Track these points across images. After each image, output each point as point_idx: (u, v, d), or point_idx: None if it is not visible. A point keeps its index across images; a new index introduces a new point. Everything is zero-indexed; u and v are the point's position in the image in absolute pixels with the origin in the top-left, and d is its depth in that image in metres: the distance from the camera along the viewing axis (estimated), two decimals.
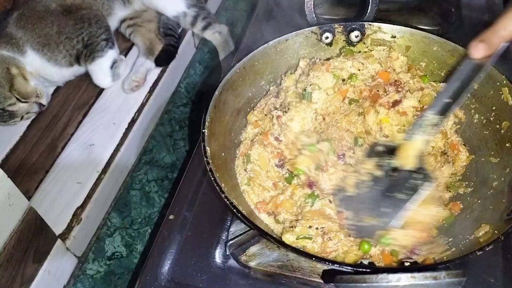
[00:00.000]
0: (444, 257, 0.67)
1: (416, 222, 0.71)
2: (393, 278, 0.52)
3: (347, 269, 0.59)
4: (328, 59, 0.93)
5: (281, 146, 0.82)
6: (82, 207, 0.97)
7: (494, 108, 0.81)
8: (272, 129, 0.84)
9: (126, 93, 1.19)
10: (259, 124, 0.87)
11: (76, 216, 0.96)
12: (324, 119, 0.85)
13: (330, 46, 0.95)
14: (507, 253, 0.77)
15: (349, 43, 0.95)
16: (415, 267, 0.65)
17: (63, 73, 1.16)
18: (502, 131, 0.79)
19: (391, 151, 0.76)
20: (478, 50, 0.69)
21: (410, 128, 0.77)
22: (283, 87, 0.90)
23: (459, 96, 0.72)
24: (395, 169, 0.74)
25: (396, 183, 0.73)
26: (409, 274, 0.53)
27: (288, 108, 0.84)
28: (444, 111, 0.72)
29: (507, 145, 0.77)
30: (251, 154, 0.81)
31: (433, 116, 0.73)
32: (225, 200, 0.67)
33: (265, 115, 0.88)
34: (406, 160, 0.74)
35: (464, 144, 0.84)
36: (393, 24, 0.92)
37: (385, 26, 0.92)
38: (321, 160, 0.78)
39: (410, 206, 0.70)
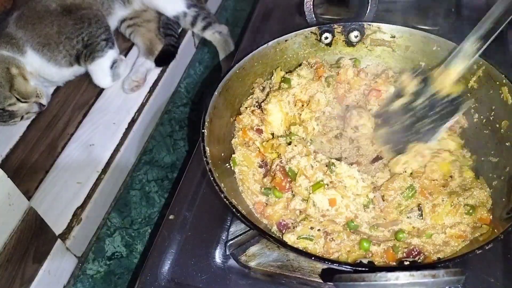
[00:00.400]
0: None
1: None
2: (392, 276, 0.52)
3: (346, 268, 0.59)
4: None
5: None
6: (82, 207, 0.97)
7: (493, 107, 0.81)
8: (252, 123, 0.84)
9: (126, 93, 1.19)
10: (241, 119, 0.86)
11: (76, 216, 0.96)
12: (302, 105, 0.85)
13: (330, 46, 0.95)
14: (507, 253, 0.76)
15: (349, 43, 0.95)
16: (414, 266, 0.65)
17: (63, 73, 1.16)
18: (502, 131, 0.79)
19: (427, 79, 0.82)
20: None
21: (449, 57, 0.81)
22: (272, 82, 0.91)
23: (503, 20, 0.74)
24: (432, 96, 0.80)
25: (430, 109, 0.80)
26: (407, 273, 0.52)
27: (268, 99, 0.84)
28: (486, 36, 0.75)
29: (507, 144, 0.77)
30: (235, 157, 0.80)
31: (472, 43, 0.76)
32: (224, 200, 0.67)
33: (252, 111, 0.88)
34: (443, 86, 0.80)
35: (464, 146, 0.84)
36: (393, 24, 0.91)
37: (385, 26, 0.92)
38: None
39: (446, 126, 0.78)
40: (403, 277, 0.52)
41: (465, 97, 0.80)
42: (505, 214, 0.68)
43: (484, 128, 0.83)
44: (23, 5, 1.13)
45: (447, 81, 0.79)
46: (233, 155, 0.80)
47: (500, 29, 0.74)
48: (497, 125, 0.80)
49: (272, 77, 0.91)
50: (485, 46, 0.76)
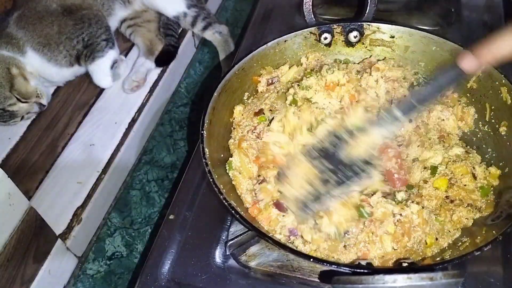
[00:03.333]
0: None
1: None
2: (390, 279, 0.53)
3: (345, 269, 0.60)
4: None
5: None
6: (82, 207, 0.98)
7: (493, 107, 0.81)
8: (247, 137, 0.82)
9: (126, 93, 1.20)
10: (239, 124, 0.86)
11: (76, 216, 0.96)
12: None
13: (329, 46, 0.95)
14: (507, 253, 0.76)
15: (348, 43, 0.95)
16: (412, 268, 0.65)
17: (63, 73, 1.16)
18: (501, 131, 0.79)
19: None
20: (467, 61, 0.64)
21: (371, 121, 0.75)
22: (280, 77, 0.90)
23: (427, 101, 0.71)
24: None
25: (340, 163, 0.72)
26: (405, 275, 0.53)
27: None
28: (407, 112, 0.71)
29: (507, 143, 0.77)
30: (232, 161, 0.79)
31: (397, 113, 0.71)
32: (223, 201, 0.68)
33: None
34: (357, 148, 0.73)
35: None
36: (392, 24, 0.92)
37: (384, 26, 0.92)
38: None
39: (341, 192, 0.70)
40: (401, 279, 0.53)
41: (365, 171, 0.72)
42: (490, 221, 0.69)
43: (483, 128, 0.83)
44: (23, 5, 1.13)
45: (362, 143, 0.73)
46: (230, 159, 0.80)
47: (423, 108, 0.72)
48: (497, 126, 0.80)
49: (279, 74, 0.91)
50: (404, 120, 0.72)
